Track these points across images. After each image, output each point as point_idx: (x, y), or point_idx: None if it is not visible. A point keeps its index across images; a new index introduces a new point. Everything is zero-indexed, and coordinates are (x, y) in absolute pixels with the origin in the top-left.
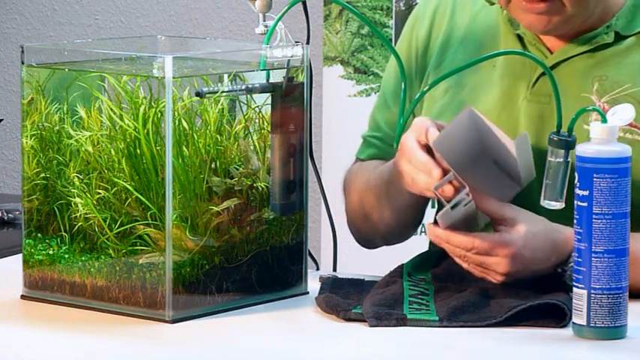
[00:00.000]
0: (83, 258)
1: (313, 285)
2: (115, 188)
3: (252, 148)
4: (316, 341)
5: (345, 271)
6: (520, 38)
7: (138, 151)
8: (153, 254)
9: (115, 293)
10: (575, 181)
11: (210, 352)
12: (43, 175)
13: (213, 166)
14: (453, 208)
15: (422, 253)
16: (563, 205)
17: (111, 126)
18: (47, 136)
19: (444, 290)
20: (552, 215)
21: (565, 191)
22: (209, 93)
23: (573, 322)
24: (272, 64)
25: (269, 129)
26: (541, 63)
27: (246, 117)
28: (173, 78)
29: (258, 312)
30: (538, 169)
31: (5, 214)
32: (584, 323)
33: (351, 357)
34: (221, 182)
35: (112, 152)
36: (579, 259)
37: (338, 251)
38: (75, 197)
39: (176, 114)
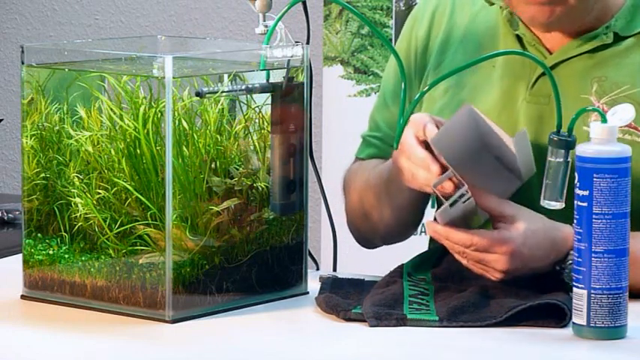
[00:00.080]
0: (83, 258)
1: (313, 285)
2: (115, 188)
3: (252, 148)
4: (316, 341)
5: (345, 271)
6: (519, 39)
7: (138, 151)
8: (153, 254)
9: (115, 293)
10: (575, 181)
11: (210, 352)
12: (43, 175)
13: (213, 166)
14: (452, 205)
15: (422, 253)
16: (563, 205)
17: (111, 126)
18: (47, 136)
19: (444, 290)
20: (552, 215)
21: (565, 191)
22: (209, 93)
23: (573, 322)
24: (272, 64)
25: (269, 129)
26: (541, 63)
27: (246, 117)
28: (173, 78)
29: (258, 312)
30: (538, 169)
31: (5, 214)
32: (584, 323)
33: (351, 357)
34: (221, 182)
35: (112, 152)
36: (579, 259)
37: (338, 251)
38: (75, 197)
39: (176, 114)
